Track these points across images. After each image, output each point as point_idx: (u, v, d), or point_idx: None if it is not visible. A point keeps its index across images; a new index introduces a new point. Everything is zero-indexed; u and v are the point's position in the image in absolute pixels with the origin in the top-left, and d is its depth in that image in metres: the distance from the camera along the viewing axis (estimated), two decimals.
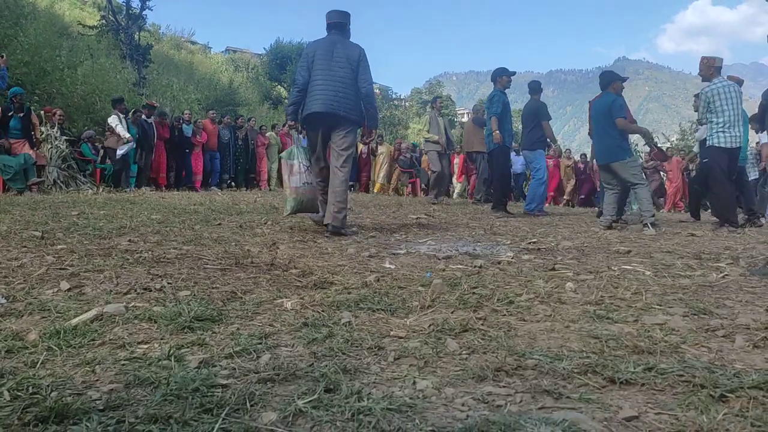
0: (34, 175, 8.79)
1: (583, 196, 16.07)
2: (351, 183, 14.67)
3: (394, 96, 51.79)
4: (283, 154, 5.25)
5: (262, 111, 23.68)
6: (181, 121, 12.16)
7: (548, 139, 8.59)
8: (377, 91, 45.41)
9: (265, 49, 32.46)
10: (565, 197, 16.40)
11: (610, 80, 6.49)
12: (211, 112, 13.60)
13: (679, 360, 1.62)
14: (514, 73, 7.86)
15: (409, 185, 16.07)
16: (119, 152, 10.16)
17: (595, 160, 6.84)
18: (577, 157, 17.52)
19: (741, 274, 3.07)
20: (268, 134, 14.16)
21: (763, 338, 1.81)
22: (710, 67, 6.30)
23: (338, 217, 4.70)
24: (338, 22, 4.89)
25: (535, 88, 8.40)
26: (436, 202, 9.39)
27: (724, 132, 6.16)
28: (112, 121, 10.31)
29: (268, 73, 30.78)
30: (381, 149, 15.63)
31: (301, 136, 5.74)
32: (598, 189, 9.56)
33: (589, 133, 7.98)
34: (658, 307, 2.28)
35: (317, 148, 4.94)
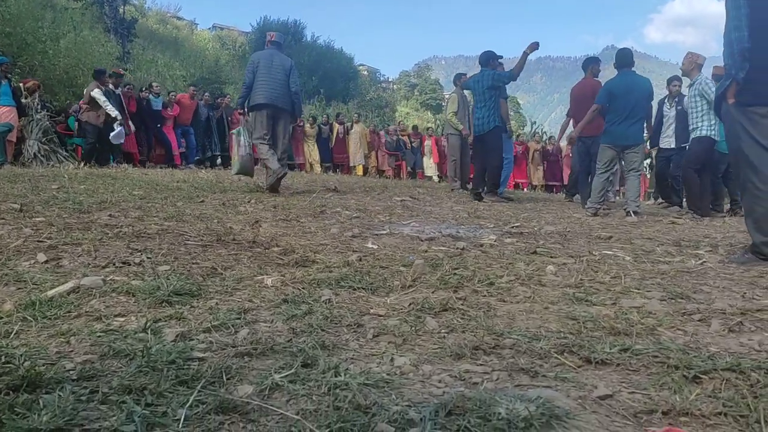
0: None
1: (557, 183, 16.23)
2: (327, 165, 14.56)
3: (382, 78, 51.53)
4: (234, 131, 6.88)
5: None
6: (148, 92, 11.53)
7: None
8: (365, 72, 45.37)
9: (252, 26, 32.11)
10: (534, 182, 16.54)
11: (632, 57, 6.35)
12: (191, 87, 13.15)
13: (655, 342, 1.64)
14: (501, 57, 7.84)
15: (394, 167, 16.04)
16: (115, 136, 9.28)
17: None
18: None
19: (719, 261, 3.10)
20: None
21: (738, 323, 1.83)
22: (693, 63, 6.50)
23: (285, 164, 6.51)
24: (276, 41, 6.85)
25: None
26: (454, 188, 8.98)
27: (702, 121, 6.40)
28: (98, 95, 9.34)
29: (255, 51, 30.45)
30: (356, 128, 15.51)
31: (246, 119, 7.04)
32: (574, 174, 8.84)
33: (568, 114, 8.01)
34: (636, 291, 2.30)
35: (265, 125, 6.46)
